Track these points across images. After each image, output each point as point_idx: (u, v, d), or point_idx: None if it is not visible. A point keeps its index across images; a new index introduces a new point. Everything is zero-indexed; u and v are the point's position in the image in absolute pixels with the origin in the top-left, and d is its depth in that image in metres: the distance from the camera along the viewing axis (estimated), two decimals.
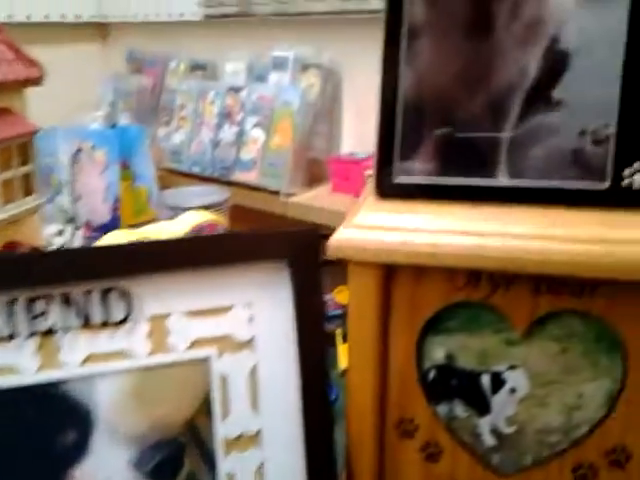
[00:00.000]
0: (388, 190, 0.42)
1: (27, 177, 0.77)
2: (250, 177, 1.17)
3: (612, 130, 0.38)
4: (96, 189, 1.08)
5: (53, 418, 0.39)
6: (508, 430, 0.42)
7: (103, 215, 1.08)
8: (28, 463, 0.39)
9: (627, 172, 0.38)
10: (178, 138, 1.38)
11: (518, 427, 0.42)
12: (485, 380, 0.42)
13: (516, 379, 0.41)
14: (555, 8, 0.38)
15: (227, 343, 0.41)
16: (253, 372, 0.42)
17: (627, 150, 0.37)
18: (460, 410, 0.43)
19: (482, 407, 0.42)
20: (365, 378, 0.43)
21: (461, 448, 0.43)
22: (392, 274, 0.41)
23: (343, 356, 0.73)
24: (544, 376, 0.41)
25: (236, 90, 1.28)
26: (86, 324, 0.39)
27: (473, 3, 0.40)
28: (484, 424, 0.43)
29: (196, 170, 1.29)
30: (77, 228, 1.09)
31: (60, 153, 1.11)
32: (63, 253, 0.40)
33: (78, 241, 1.06)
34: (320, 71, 1.19)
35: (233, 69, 1.36)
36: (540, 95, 0.39)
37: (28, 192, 0.77)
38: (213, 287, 0.41)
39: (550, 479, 0.42)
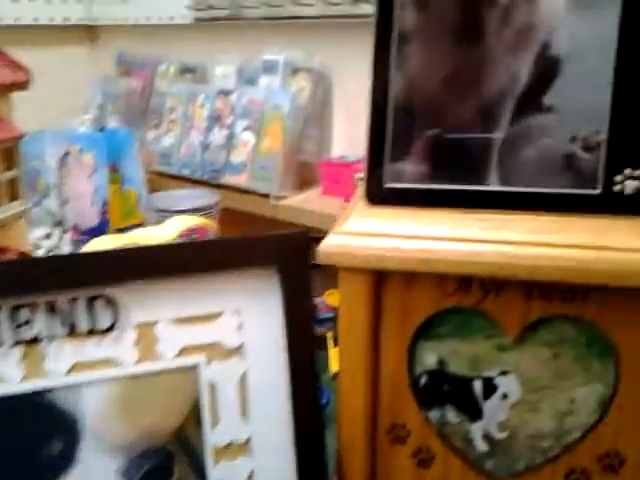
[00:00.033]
0: (378, 196, 0.42)
1: (13, 182, 0.76)
2: (240, 180, 1.17)
3: (603, 136, 0.37)
4: (84, 192, 1.07)
5: (39, 428, 0.38)
6: (500, 436, 0.42)
7: (91, 218, 1.07)
8: (14, 474, 0.38)
9: (618, 178, 0.37)
10: (168, 141, 1.37)
11: (510, 432, 0.42)
12: (477, 386, 0.42)
13: (508, 384, 0.41)
14: (546, 14, 0.38)
15: (216, 350, 0.41)
16: (242, 379, 0.41)
17: (618, 156, 0.37)
18: (452, 416, 0.43)
19: (474, 413, 0.42)
20: (356, 383, 0.43)
21: (453, 454, 0.43)
22: (383, 280, 0.40)
23: (334, 359, 0.73)
24: (536, 381, 0.40)
25: (226, 93, 1.27)
26: (72, 332, 0.38)
27: (464, 9, 0.40)
28: (476, 430, 0.42)
29: (186, 173, 1.29)
30: (65, 231, 1.08)
31: (48, 156, 1.10)
32: (48, 261, 0.39)
33: (66, 244, 1.05)
34: (310, 75, 1.19)
35: (223, 72, 1.35)
36: (531, 101, 0.39)
37: (14, 197, 0.76)
38: (201, 294, 0.40)
39: None
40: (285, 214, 1.09)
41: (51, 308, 0.38)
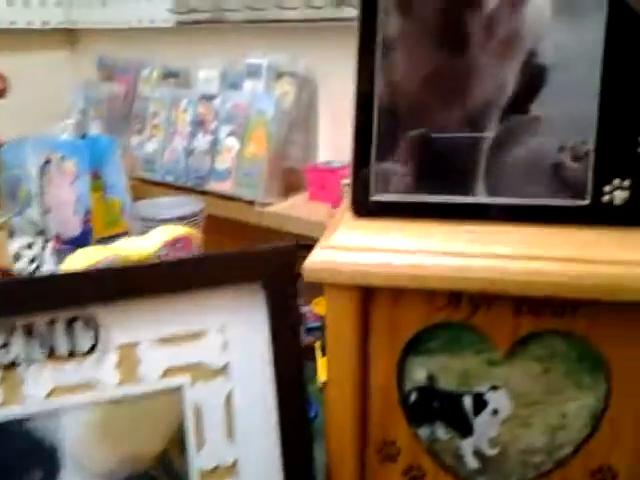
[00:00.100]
0: (365, 208, 0.41)
1: None
2: (225, 187, 1.15)
3: (591, 146, 0.37)
4: (66, 201, 1.05)
5: (17, 456, 0.36)
6: (491, 452, 0.41)
7: (74, 227, 1.05)
8: None
9: (607, 189, 0.37)
10: (151, 147, 1.35)
11: (501, 448, 0.41)
12: (467, 401, 0.41)
13: (498, 400, 0.40)
14: (532, 22, 0.38)
15: (200, 371, 0.39)
16: (228, 400, 0.40)
17: (607, 166, 0.37)
18: (442, 432, 0.42)
19: (464, 429, 0.41)
20: (345, 397, 0.42)
21: (444, 471, 0.42)
22: (370, 296, 0.40)
23: (322, 369, 0.72)
24: (527, 396, 0.40)
25: (209, 98, 1.26)
26: (51, 355, 0.37)
27: (447, 15, 0.39)
28: (467, 446, 0.42)
29: (170, 179, 1.27)
30: (47, 241, 1.06)
31: (29, 164, 1.09)
32: (25, 282, 0.38)
33: (48, 254, 1.03)
34: (295, 79, 1.18)
35: (206, 77, 1.34)
36: (518, 110, 0.39)
37: None
38: (185, 312, 0.39)
39: None
40: (271, 221, 1.08)
41: (29, 331, 0.37)
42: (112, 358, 0.38)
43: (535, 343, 0.39)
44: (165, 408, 0.39)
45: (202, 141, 1.23)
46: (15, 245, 1.01)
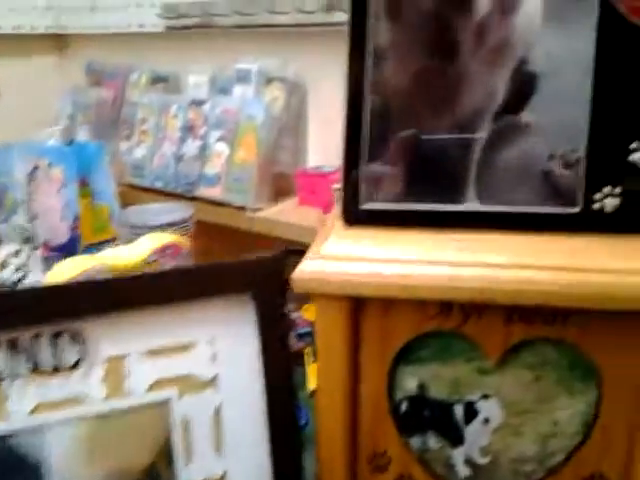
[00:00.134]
0: (355, 217, 0.41)
1: None
2: (215, 193, 1.14)
3: (582, 153, 0.37)
4: (53, 208, 1.04)
5: (1, 474, 0.36)
6: (482, 460, 0.41)
7: (62, 234, 1.04)
8: None
9: (598, 196, 0.37)
10: (140, 152, 1.34)
11: (492, 457, 0.41)
12: (458, 410, 0.41)
13: (489, 409, 0.40)
14: (522, 30, 0.38)
15: (189, 383, 0.39)
16: (217, 412, 0.39)
17: (598, 174, 0.37)
18: (433, 442, 0.42)
19: (455, 438, 0.41)
20: (335, 409, 0.42)
21: None
22: (360, 305, 0.39)
23: (312, 376, 0.72)
24: (518, 405, 0.40)
25: (198, 103, 1.25)
26: (35, 370, 0.36)
27: (437, 21, 0.39)
28: (458, 455, 0.41)
29: (159, 185, 1.26)
30: (35, 248, 1.05)
31: (15, 171, 1.08)
32: (8, 295, 0.37)
33: (36, 261, 1.02)
34: (284, 84, 1.18)
35: (196, 82, 1.33)
36: (508, 118, 0.38)
37: None
38: (173, 324, 0.39)
39: None
40: (261, 226, 1.07)
41: (13, 345, 0.36)
42: (98, 372, 0.37)
43: (526, 351, 0.39)
44: (152, 421, 0.38)
45: (191, 146, 1.22)
46: (2, 253, 1.00)
